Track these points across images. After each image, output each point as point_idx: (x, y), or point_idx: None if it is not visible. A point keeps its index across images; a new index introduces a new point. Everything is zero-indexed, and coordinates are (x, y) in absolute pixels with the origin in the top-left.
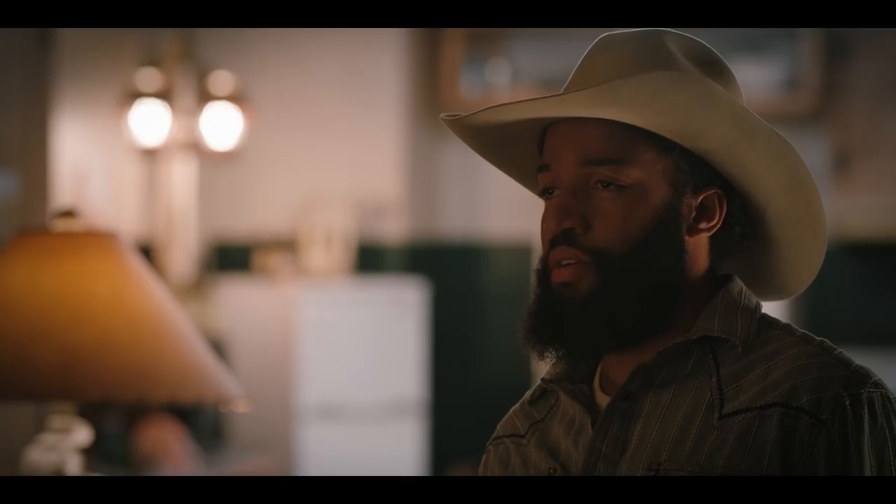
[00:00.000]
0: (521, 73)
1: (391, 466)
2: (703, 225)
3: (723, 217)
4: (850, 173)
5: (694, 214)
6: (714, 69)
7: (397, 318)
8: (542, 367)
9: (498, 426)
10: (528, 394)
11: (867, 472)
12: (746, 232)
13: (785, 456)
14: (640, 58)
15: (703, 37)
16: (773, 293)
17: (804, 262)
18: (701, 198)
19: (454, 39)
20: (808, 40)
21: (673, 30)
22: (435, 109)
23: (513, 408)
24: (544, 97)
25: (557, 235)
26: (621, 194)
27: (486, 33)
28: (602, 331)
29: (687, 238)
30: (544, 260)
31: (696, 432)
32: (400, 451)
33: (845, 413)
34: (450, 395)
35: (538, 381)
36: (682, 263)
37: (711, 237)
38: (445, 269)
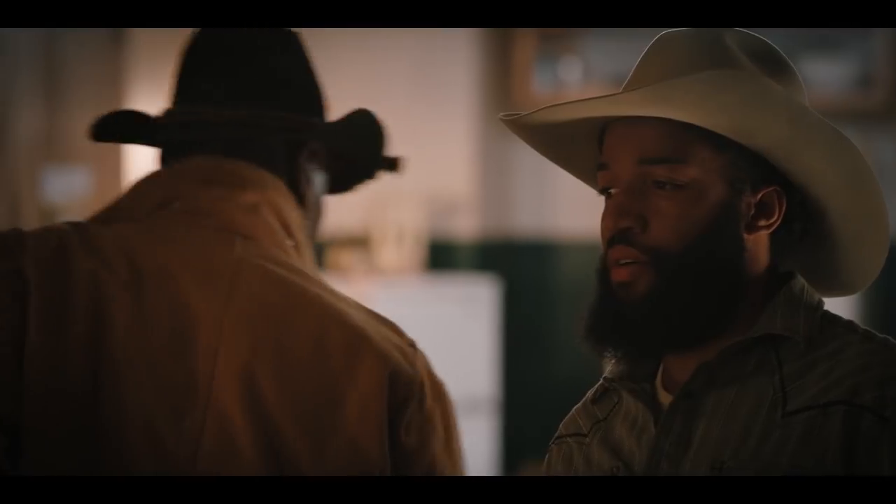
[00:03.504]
0: (592, 70)
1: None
2: (762, 222)
3: (782, 214)
4: None
5: (753, 212)
6: (774, 66)
7: (469, 315)
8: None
9: (561, 425)
10: (590, 392)
11: None
12: (807, 229)
13: (849, 454)
14: (697, 56)
15: (775, 34)
16: (837, 290)
17: (866, 259)
18: (760, 195)
19: (525, 37)
20: (881, 38)
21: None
22: (506, 107)
23: (575, 407)
24: (598, 97)
25: (615, 235)
26: (678, 193)
27: (558, 31)
28: (660, 331)
29: (746, 236)
30: (603, 259)
31: (760, 430)
32: (472, 448)
33: None
34: (522, 392)
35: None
36: (741, 262)
37: (772, 234)
38: (517, 267)
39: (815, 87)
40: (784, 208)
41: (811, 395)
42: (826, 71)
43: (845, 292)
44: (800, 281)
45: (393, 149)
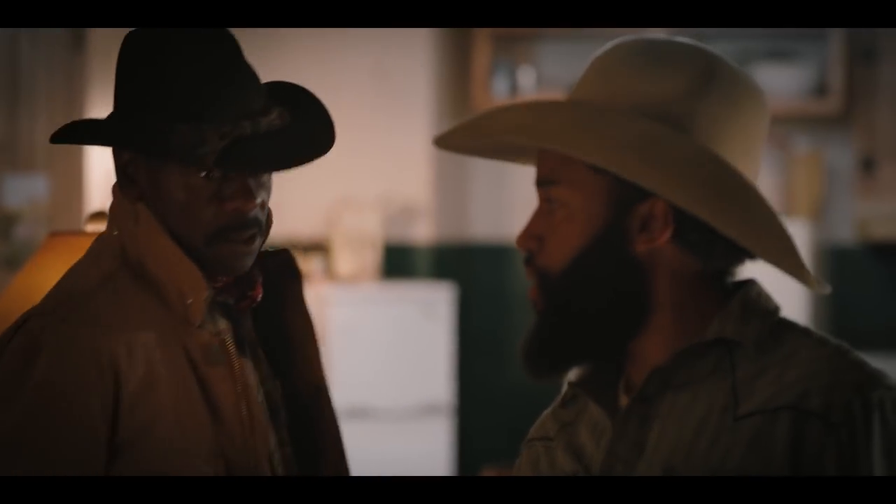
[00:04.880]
0: (547, 78)
1: (420, 468)
2: (650, 237)
3: (672, 226)
4: (876, 177)
5: (639, 227)
6: (651, 59)
7: (426, 320)
8: (572, 371)
9: (531, 428)
10: (559, 396)
11: (877, 475)
12: (710, 238)
13: (795, 459)
14: (593, 63)
15: (730, 45)
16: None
17: (777, 260)
18: (646, 210)
19: (483, 43)
20: (835, 46)
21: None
22: (464, 112)
23: (546, 410)
24: (450, 130)
25: (524, 256)
26: (561, 214)
27: (515, 36)
28: (553, 351)
29: (638, 252)
30: None
31: (710, 434)
32: (428, 452)
33: (855, 416)
34: (478, 397)
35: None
36: (635, 278)
37: (681, 243)
38: (474, 273)
39: (771, 95)
40: (672, 219)
41: (761, 400)
42: (782, 78)
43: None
44: (756, 287)
45: (350, 154)
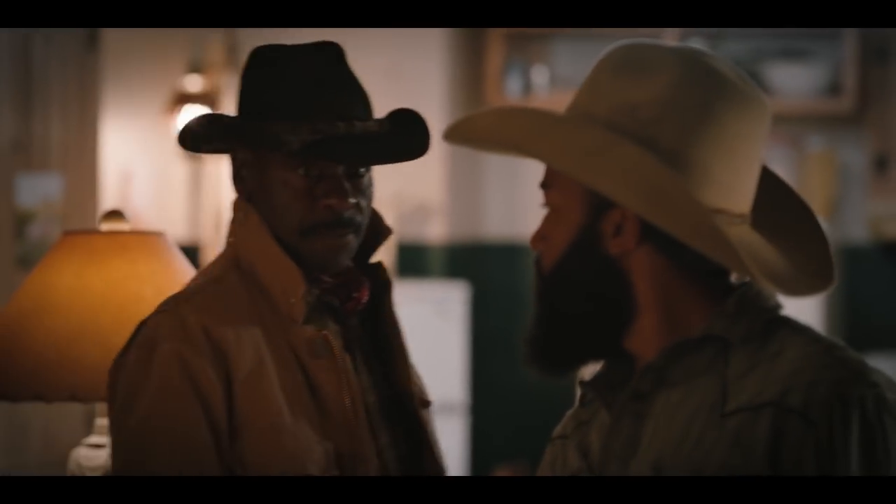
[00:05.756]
0: (560, 78)
1: None
2: (621, 241)
3: (637, 232)
4: (889, 176)
5: (613, 232)
6: (629, 68)
7: (439, 319)
8: (585, 370)
9: (557, 427)
10: (579, 395)
11: (854, 474)
12: (679, 242)
13: (774, 455)
14: (588, 77)
15: (745, 44)
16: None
17: (720, 259)
18: (618, 214)
19: (496, 42)
20: (848, 45)
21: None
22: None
23: (570, 409)
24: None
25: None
26: (550, 217)
27: (528, 35)
28: (544, 351)
29: (615, 254)
30: None
31: (698, 431)
32: (442, 451)
33: (834, 413)
34: (491, 397)
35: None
36: (614, 279)
37: (657, 244)
38: (487, 272)
39: (784, 94)
40: (640, 223)
41: (748, 397)
42: (795, 78)
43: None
44: (756, 287)
45: None
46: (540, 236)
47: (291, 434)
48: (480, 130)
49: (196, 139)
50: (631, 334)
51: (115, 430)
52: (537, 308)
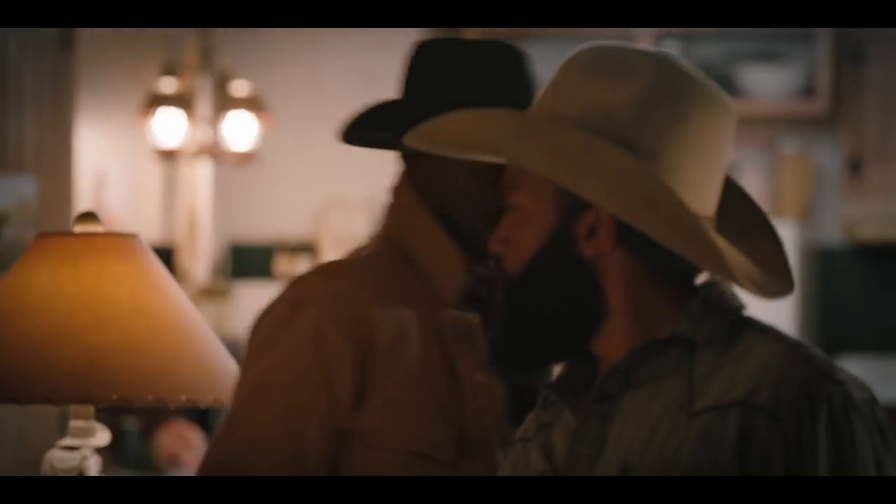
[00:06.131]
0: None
1: None
2: (595, 243)
3: (613, 234)
4: (863, 178)
5: (586, 234)
6: (602, 69)
7: None
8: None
9: (518, 430)
10: (541, 398)
11: (822, 472)
12: (654, 244)
13: (743, 454)
14: (554, 79)
15: (720, 45)
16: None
17: (705, 265)
18: (591, 216)
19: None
20: (823, 47)
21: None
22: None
23: (532, 412)
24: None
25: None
26: (517, 217)
27: (502, 37)
28: (510, 352)
29: (586, 256)
30: None
31: (665, 432)
32: None
33: (802, 412)
34: None
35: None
36: (586, 281)
37: (631, 247)
38: None
39: (758, 96)
40: (616, 226)
41: (715, 397)
42: (769, 79)
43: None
44: (720, 287)
45: (339, 154)
46: (502, 238)
47: (414, 410)
48: (452, 133)
49: (380, 123)
50: (599, 336)
51: (241, 373)
52: (503, 309)
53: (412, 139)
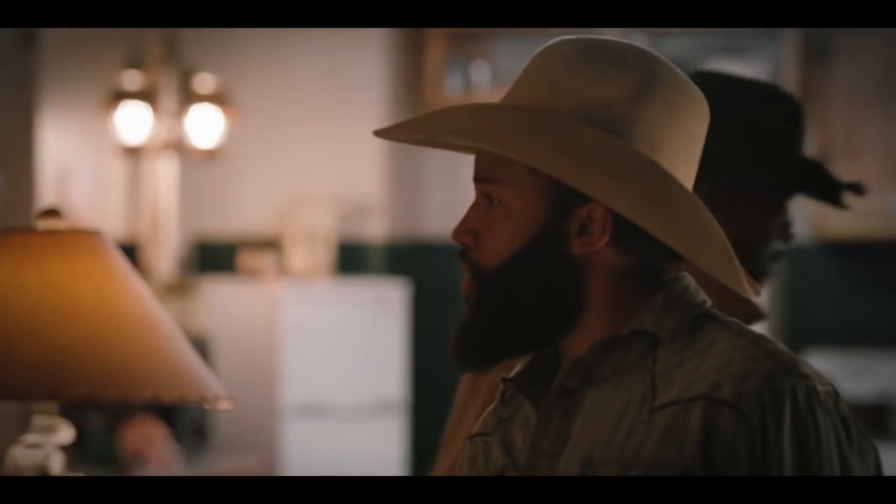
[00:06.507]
0: (501, 74)
1: (373, 464)
2: (587, 240)
3: (610, 230)
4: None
5: (577, 230)
6: (593, 62)
7: (380, 317)
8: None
9: (475, 424)
10: (500, 392)
11: (787, 465)
12: (645, 243)
13: (706, 449)
14: (529, 66)
15: (685, 39)
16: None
17: (715, 271)
18: (583, 214)
19: (437, 39)
20: (788, 41)
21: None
22: (418, 109)
23: (489, 407)
24: (395, 125)
25: (458, 249)
26: (499, 212)
27: (469, 33)
28: (479, 342)
29: (573, 253)
30: None
31: (628, 426)
32: (382, 449)
33: (766, 405)
34: (431, 394)
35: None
36: (570, 278)
37: (618, 245)
38: (427, 269)
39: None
40: (611, 224)
41: (677, 391)
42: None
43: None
44: (684, 282)
45: (304, 151)
46: (468, 229)
47: None
48: (457, 127)
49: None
50: (574, 331)
51: None
52: (479, 300)
53: (411, 128)
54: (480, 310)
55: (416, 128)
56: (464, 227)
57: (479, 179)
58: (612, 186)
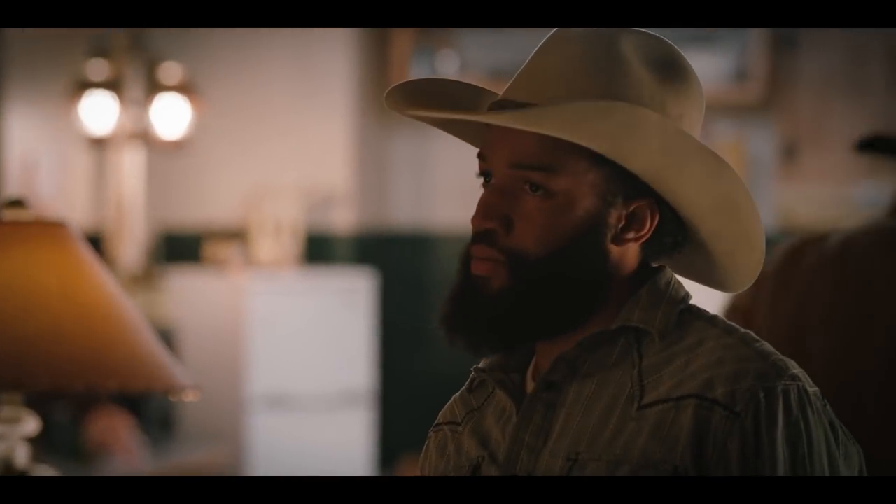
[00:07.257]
0: (468, 64)
1: (340, 455)
2: (630, 235)
3: (654, 227)
4: (798, 163)
5: (622, 224)
6: (671, 72)
7: (346, 307)
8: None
9: (440, 413)
10: (468, 381)
11: (780, 466)
12: (679, 241)
13: (699, 447)
14: (586, 61)
15: (655, 29)
16: (712, 286)
17: (740, 270)
18: (631, 208)
19: (403, 32)
20: (756, 32)
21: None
22: (383, 101)
23: (455, 395)
24: (472, 114)
25: (479, 233)
26: (548, 201)
27: (432, 35)
28: (506, 328)
29: (612, 247)
30: (468, 249)
31: (615, 422)
32: (349, 440)
33: (759, 406)
34: (398, 385)
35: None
36: (603, 271)
37: (643, 243)
38: (394, 259)
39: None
40: (656, 222)
41: (666, 389)
42: (703, 64)
43: (719, 289)
44: (667, 276)
45: (270, 141)
46: (498, 214)
47: None
48: (565, 121)
49: None
50: (588, 325)
51: None
52: (513, 285)
53: (521, 121)
54: (516, 295)
55: (519, 120)
56: (492, 213)
57: (521, 166)
58: (694, 186)
